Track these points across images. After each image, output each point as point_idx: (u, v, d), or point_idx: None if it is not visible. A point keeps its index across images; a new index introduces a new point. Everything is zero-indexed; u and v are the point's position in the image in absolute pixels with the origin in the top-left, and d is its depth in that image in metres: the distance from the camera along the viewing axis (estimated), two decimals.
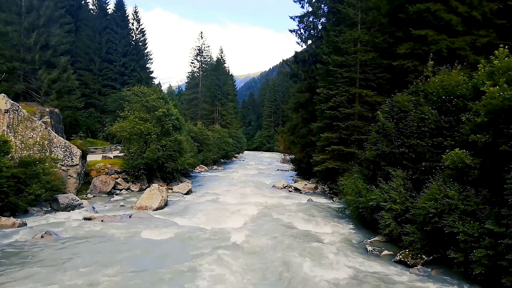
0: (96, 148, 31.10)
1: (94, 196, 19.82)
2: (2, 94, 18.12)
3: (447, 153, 9.93)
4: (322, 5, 28.16)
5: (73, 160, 18.83)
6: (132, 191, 22.01)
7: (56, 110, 24.14)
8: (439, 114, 11.70)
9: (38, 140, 17.45)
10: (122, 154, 25.54)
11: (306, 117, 27.29)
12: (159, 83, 67.62)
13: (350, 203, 14.47)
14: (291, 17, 29.28)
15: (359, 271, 9.40)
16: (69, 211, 15.59)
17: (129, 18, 48.50)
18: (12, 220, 12.68)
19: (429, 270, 9.54)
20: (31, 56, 27.63)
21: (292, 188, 25.09)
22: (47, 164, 16.18)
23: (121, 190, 21.60)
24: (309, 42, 29.90)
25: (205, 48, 70.12)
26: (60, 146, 18.76)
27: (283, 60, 35.67)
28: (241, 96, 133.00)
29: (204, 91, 65.68)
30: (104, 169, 21.99)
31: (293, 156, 33.66)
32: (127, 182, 22.46)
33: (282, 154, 47.50)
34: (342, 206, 17.19)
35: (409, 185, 11.68)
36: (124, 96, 27.62)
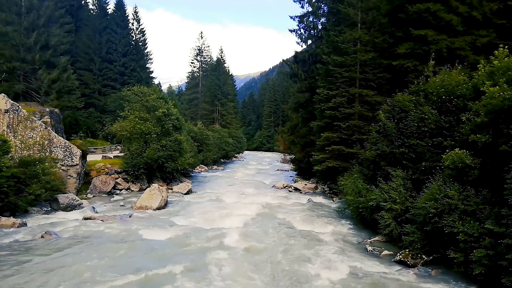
0: (96, 148, 31.10)
1: (94, 196, 19.82)
2: (2, 94, 18.12)
3: (447, 153, 9.93)
4: (322, 5, 28.14)
5: (73, 160, 18.83)
6: (132, 191, 22.00)
7: (56, 110, 24.15)
8: (439, 114, 11.70)
9: (38, 140, 17.47)
10: (122, 154, 25.55)
11: (306, 117, 27.27)
12: (159, 83, 67.59)
13: (350, 203, 14.48)
14: (291, 17, 29.29)
15: (359, 271, 9.40)
16: (69, 211, 15.60)
17: (129, 18, 48.44)
18: (12, 220, 12.69)
19: (429, 270, 9.54)
20: (31, 56, 27.62)
21: (292, 188, 25.08)
22: (47, 164, 16.18)
23: (121, 190, 21.59)
24: (309, 42, 29.88)
25: (205, 48, 70.13)
26: (60, 146, 18.76)
27: (283, 60, 35.67)
28: (241, 96, 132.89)
29: (204, 91, 65.66)
30: (104, 169, 21.99)
31: (293, 156, 33.64)
32: (127, 182, 22.46)
33: (282, 154, 47.41)
34: (342, 206, 17.19)
35: (409, 185, 11.68)
36: (124, 96, 27.62)
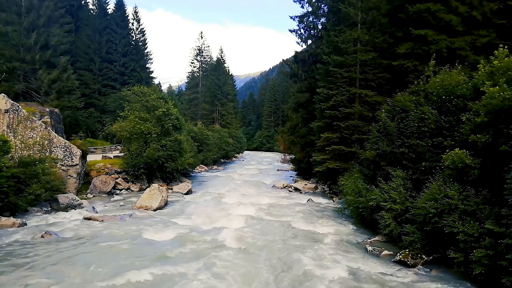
0: (96, 148, 31.11)
1: (94, 196, 19.81)
2: (2, 94, 18.12)
3: (447, 153, 9.93)
4: (322, 5, 28.15)
5: (73, 160, 18.83)
6: (132, 191, 22.00)
7: (56, 110, 24.15)
8: (439, 114, 11.70)
9: (38, 140, 17.45)
10: (122, 154, 25.54)
11: (306, 117, 27.28)
12: (159, 83, 67.62)
13: (350, 203, 14.47)
14: (291, 17, 29.29)
15: (359, 271, 9.40)
16: (69, 211, 15.59)
17: (129, 18, 48.49)
18: (12, 220, 12.69)
19: (429, 270, 9.55)
20: (31, 56, 27.60)
21: (292, 188, 25.08)
22: (47, 164, 16.17)
23: (121, 190, 21.59)
24: (309, 42, 29.89)
25: (205, 48, 70.11)
26: (60, 146, 18.76)
27: (283, 60, 35.66)
28: (241, 96, 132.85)
29: (204, 91, 65.66)
30: (104, 169, 21.99)
31: (293, 156, 33.65)
32: (127, 182, 22.45)
33: (282, 154, 47.44)
34: (342, 206, 17.19)
35: (409, 185, 11.68)
36: (124, 96, 27.62)
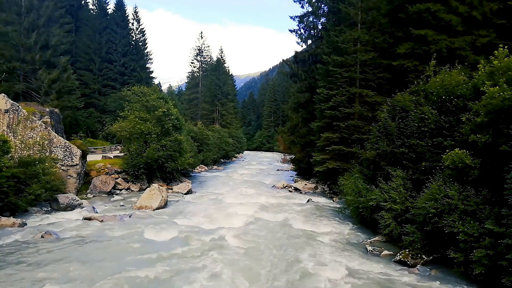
0: (96, 148, 31.11)
1: (94, 196, 19.81)
2: (2, 94, 18.12)
3: (447, 153, 9.94)
4: (322, 5, 28.17)
5: (73, 160, 18.83)
6: (132, 191, 22.00)
7: (56, 110, 24.15)
8: (439, 114, 11.71)
9: (38, 140, 17.45)
10: (122, 154, 25.55)
11: (306, 117, 27.30)
12: (159, 83, 67.60)
13: (350, 203, 14.48)
14: (291, 17, 29.31)
15: (359, 271, 9.41)
16: (69, 211, 15.59)
17: (129, 18, 48.49)
18: (12, 220, 12.69)
19: (429, 270, 9.55)
20: (31, 56, 27.61)
21: (292, 188, 25.08)
22: (47, 164, 16.17)
23: (121, 190, 21.59)
24: (309, 42, 29.90)
25: (205, 48, 70.10)
26: (60, 146, 18.76)
27: (283, 60, 35.66)
28: (241, 96, 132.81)
29: (204, 91, 65.68)
30: (104, 169, 21.98)
31: (293, 156, 33.66)
32: (127, 182, 22.45)
33: (282, 154, 47.44)
34: (342, 206, 17.20)
35: (409, 185, 11.69)
36: (124, 96, 27.63)
